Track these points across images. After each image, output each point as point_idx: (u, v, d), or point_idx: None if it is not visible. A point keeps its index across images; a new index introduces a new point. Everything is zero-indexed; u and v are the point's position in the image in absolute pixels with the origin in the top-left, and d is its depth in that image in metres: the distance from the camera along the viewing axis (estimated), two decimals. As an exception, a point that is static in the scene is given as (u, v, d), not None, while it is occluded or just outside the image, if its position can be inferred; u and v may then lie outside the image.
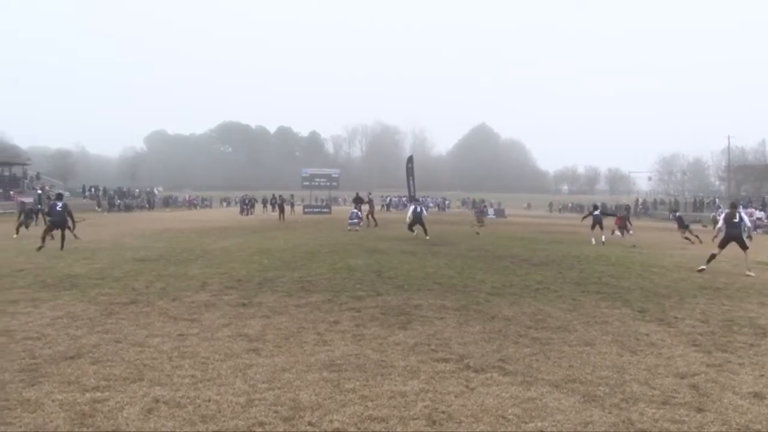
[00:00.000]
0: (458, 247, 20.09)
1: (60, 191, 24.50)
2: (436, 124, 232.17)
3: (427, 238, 23.08)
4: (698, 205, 67.96)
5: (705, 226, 35.86)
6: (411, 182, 57.59)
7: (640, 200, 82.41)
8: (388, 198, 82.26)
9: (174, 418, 4.46)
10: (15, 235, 18.09)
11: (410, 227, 24.28)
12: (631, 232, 27.84)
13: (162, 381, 5.29)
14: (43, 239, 17.40)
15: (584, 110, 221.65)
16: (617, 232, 27.81)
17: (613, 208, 46.67)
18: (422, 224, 23.77)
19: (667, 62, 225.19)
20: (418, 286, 11.13)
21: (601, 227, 24.18)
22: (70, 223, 18.11)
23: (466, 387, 5.30)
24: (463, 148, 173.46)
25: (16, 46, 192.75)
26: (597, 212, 25.33)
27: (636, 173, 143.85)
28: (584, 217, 26.36)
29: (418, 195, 77.21)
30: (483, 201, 28.60)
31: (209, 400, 4.82)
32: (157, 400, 4.81)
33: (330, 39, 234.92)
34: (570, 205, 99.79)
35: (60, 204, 18.31)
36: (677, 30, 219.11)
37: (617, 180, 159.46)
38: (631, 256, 17.84)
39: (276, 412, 4.62)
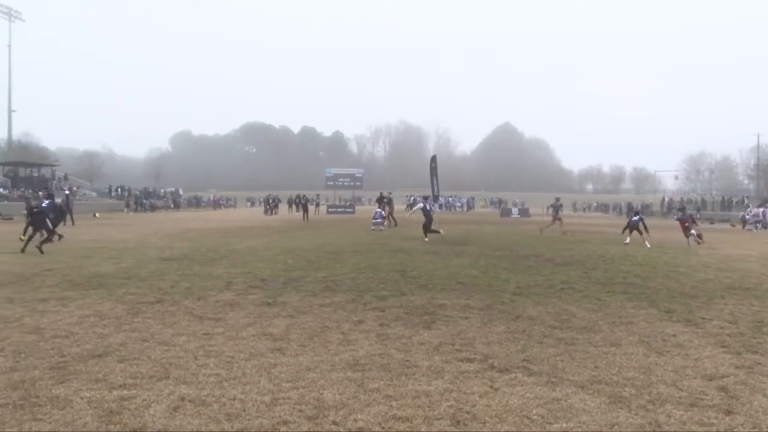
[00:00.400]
0: (482, 246, 20.01)
1: (48, 191, 24.04)
2: (460, 123, 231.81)
3: (426, 239, 21.85)
4: (726, 204, 66.90)
5: (733, 225, 35.37)
6: (434, 182, 57.36)
7: (666, 199, 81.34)
8: (412, 198, 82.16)
9: (199, 416, 4.50)
10: (23, 236, 18.01)
11: (426, 230, 22.72)
12: (693, 232, 23.56)
13: (187, 379, 5.34)
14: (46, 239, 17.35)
15: (610, 110, 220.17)
16: (691, 239, 23.13)
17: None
18: (427, 225, 22.63)
19: (693, 60, 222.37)
20: (442, 285, 11.10)
21: (639, 232, 22.56)
22: (49, 225, 17.63)
23: (491, 387, 5.27)
24: (486, 148, 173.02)
25: (46, 52, 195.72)
26: (636, 217, 23.48)
27: (662, 172, 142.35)
28: (624, 229, 23.79)
29: (442, 194, 77.07)
30: (558, 199, 27.47)
31: (234, 399, 4.86)
32: (183, 399, 4.85)
33: (353, 39, 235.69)
34: (595, 204, 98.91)
35: (45, 203, 18.04)
36: (703, 27, 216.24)
37: (643, 179, 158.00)
38: (656, 256, 17.63)
39: (300, 411, 4.64)
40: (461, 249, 18.81)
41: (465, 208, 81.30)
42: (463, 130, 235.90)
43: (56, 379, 5.31)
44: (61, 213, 19.03)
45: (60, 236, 18.98)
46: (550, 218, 30.70)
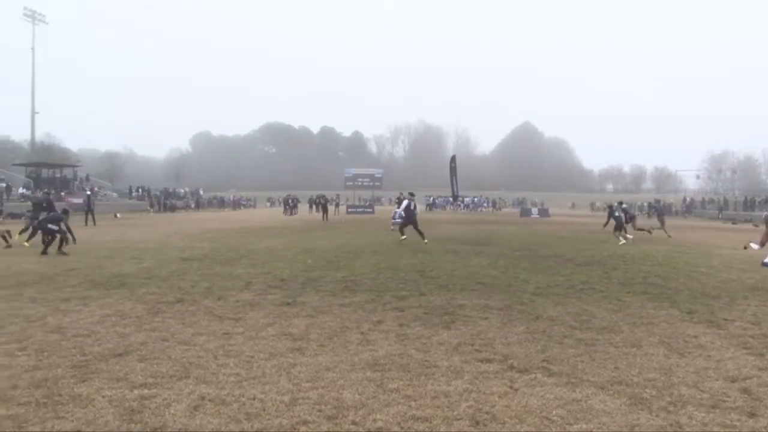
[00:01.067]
0: (502, 246, 19.93)
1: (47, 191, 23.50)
2: (479, 123, 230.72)
3: (426, 242, 20.28)
4: (749, 204, 66.05)
5: (756, 225, 34.86)
6: (454, 181, 57.34)
7: (688, 199, 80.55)
8: (431, 198, 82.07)
9: (219, 415, 4.53)
10: (26, 243, 17.74)
11: (402, 229, 21.57)
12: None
13: (207, 379, 5.38)
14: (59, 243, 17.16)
15: (631, 109, 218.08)
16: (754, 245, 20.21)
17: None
18: (416, 226, 21.35)
19: (715, 59, 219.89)
20: (461, 285, 11.08)
21: (626, 230, 22.89)
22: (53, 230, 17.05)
23: (510, 388, 5.25)
24: (506, 147, 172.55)
25: (68, 54, 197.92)
26: (616, 214, 23.64)
27: (683, 172, 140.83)
28: (606, 224, 24.21)
29: (464, 194, 76.86)
30: (659, 201, 26.34)
31: (254, 398, 4.88)
32: (203, 398, 4.88)
33: (373, 39, 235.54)
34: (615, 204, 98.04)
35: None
36: (725, 26, 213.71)
37: (664, 179, 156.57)
38: (678, 256, 17.45)
39: (320, 410, 4.65)
40: (481, 249, 18.76)
41: (490, 209, 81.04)
42: (482, 130, 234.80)
43: (78, 377, 5.38)
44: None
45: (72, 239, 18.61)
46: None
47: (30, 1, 76.87)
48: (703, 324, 8.03)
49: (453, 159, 70.49)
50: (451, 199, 74.49)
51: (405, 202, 22.58)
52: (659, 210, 31.02)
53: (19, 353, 6.19)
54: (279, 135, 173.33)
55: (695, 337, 7.28)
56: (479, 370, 5.77)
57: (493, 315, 8.42)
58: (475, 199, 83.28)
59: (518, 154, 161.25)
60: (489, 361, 6.08)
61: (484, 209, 78.93)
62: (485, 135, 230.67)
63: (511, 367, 5.85)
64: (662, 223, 27.91)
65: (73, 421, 4.39)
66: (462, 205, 77.09)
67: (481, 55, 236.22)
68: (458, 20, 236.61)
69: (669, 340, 7.07)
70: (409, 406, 4.78)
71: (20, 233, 19.12)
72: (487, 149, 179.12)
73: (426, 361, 6.06)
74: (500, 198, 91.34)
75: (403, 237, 21.18)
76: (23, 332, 7.13)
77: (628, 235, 23.13)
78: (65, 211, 18.72)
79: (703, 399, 5.03)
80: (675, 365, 6.02)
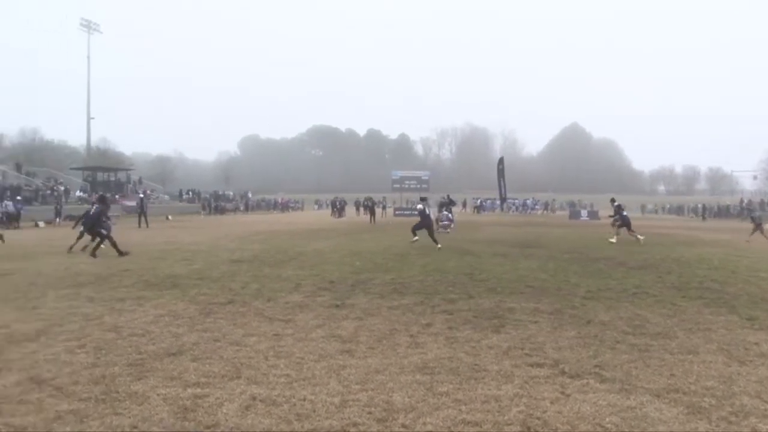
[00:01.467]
0: (550, 249, 19.65)
1: (102, 194, 23.60)
2: (527, 125, 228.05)
3: (439, 246, 19.26)
4: (811, 206, 63.69)
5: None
6: (502, 183, 56.88)
7: (745, 200, 78.05)
8: (479, 200, 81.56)
9: (270, 415, 4.58)
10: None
11: (415, 230, 21.37)
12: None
13: (258, 379, 5.44)
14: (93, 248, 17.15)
15: (684, 109, 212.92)
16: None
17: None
18: (429, 229, 20.89)
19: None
20: (510, 288, 10.96)
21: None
22: (102, 231, 17.15)
23: (562, 393, 5.17)
24: (554, 149, 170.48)
25: (120, 62, 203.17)
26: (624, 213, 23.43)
27: (739, 172, 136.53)
28: (615, 222, 23.82)
29: (510, 196, 76.22)
30: (750, 202, 25.45)
31: (304, 400, 4.91)
32: (254, 398, 4.94)
33: (420, 42, 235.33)
34: (667, 206, 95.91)
35: (94, 209, 17.69)
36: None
37: (719, 179, 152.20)
38: (736, 260, 16.92)
39: (370, 413, 4.66)
40: (530, 252, 18.53)
41: (543, 211, 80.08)
42: (529, 131, 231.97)
43: (134, 375, 5.51)
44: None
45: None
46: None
47: (86, 12, 79.20)
48: (764, 331, 7.75)
49: (501, 161, 70.05)
50: (499, 201, 73.92)
51: (419, 206, 22.52)
52: (753, 215, 29.32)
53: (79, 351, 6.39)
54: (326, 138, 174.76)
55: (756, 344, 7.03)
56: (530, 374, 5.69)
57: (543, 319, 8.30)
58: (527, 201, 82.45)
59: (567, 156, 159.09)
60: (540, 365, 6.00)
61: (535, 211, 78.05)
62: (533, 136, 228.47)
63: (563, 372, 5.75)
64: (760, 228, 26.35)
65: (130, 417, 4.50)
66: (514, 207, 76.42)
67: (530, 57, 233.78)
68: (503, 22, 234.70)
69: (728, 347, 6.85)
70: (459, 410, 4.75)
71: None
72: (534, 150, 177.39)
73: (476, 364, 6.01)
74: (553, 200, 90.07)
75: (415, 239, 21.38)
76: (82, 330, 7.35)
77: (639, 236, 22.89)
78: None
79: (767, 410, 4.86)
80: (735, 374, 5.83)
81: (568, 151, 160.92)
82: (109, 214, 19.21)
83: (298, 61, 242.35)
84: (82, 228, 18.23)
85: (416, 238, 21.37)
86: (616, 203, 24.82)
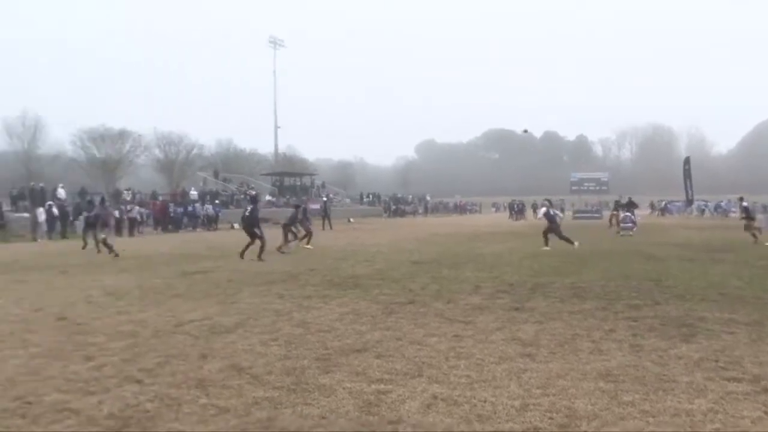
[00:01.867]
0: (744, 254, 17.96)
1: (255, 193, 24.42)
2: (714, 122, 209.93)
3: (576, 245, 19.32)
4: None
5: None
6: (688, 184, 53.04)
7: None
8: (663, 202, 76.72)
9: (451, 415, 4.60)
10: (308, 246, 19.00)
11: (545, 236, 20.30)
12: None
13: (439, 379, 5.49)
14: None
15: None
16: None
17: None
18: (557, 232, 20.10)
19: None
20: (700, 296, 10.15)
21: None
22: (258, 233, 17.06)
23: (765, 413, 4.68)
24: (747, 146, 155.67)
25: (301, 74, 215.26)
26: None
27: None
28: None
29: (696, 198, 70.90)
30: None
31: (485, 401, 4.88)
32: (435, 397, 4.99)
33: (595, 38, 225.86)
34: None
35: (249, 208, 17.98)
36: None
37: None
38: None
39: (551, 418, 4.52)
40: (720, 256, 17.08)
41: (740, 214, 73.40)
42: (717, 129, 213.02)
43: (322, 369, 5.79)
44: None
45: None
46: None
47: (274, 30, 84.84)
48: None
49: (687, 161, 65.26)
50: (684, 203, 68.97)
51: (543, 210, 21.32)
52: None
53: (272, 343, 6.86)
54: (501, 141, 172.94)
55: None
56: (726, 389, 5.22)
57: (739, 330, 7.58)
58: (723, 203, 76.17)
59: (763, 152, 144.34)
60: (737, 380, 5.48)
61: (732, 214, 71.83)
62: (721, 134, 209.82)
63: (765, 390, 5.20)
64: None
65: (318, 408, 4.73)
66: (706, 208, 70.94)
67: (722, 49, 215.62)
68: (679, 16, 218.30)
69: None
70: (647, 422, 4.47)
71: (301, 239, 20.71)
72: (724, 149, 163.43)
73: (663, 375, 5.63)
74: (755, 203, 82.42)
75: (546, 247, 19.82)
76: (274, 325, 7.89)
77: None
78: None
79: None
80: None
81: (765, 148, 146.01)
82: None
83: (471, 63, 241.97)
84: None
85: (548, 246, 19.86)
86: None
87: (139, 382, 5.42)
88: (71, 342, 7.07)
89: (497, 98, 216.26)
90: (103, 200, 22.93)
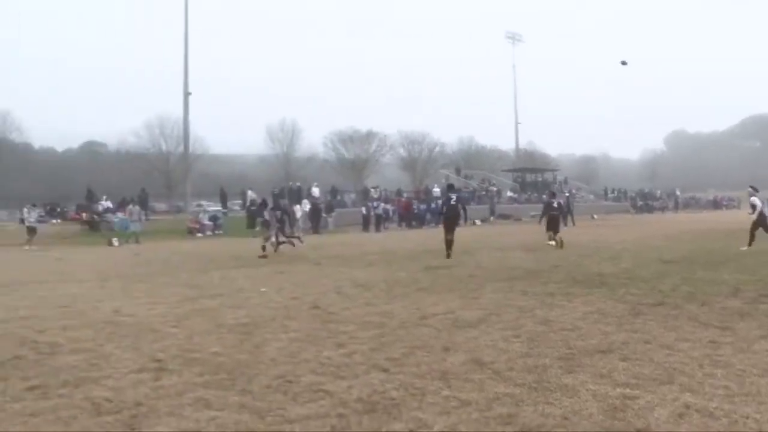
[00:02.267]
0: None
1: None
2: None
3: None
4: None
5: None
6: None
7: None
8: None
9: (707, 427, 4.27)
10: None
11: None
12: None
13: (693, 388, 5.12)
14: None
15: None
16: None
17: None
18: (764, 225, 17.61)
19: None
20: None
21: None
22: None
23: None
24: None
25: (541, 68, 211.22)
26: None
27: None
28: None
29: None
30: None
31: (747, 417, 4.44)
32: (688, 407, 4.66)
33: None
34: None
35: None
36: None
37: None
38: None
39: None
40: None
41: None
42: None
43: (564, 368, 5.70)
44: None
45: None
46: None
47: (511, 25, 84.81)
48: None
49: None
50: None
51: (759, 204, 18.03)
52: None
53: (514, 340, 6.91)
54: (763, 129, 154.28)
55: None
56: None
57: None
58: None
59: None
60: None
61: None
62: None
63: None
64: None
65: (560, 408, 4.67)
66: None
67: None
68: None
69: None
70: None
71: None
72: None
73: None
74: None
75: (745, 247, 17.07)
76: (516, 321, 7.93)
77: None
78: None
79: None
80: None
81: None
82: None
83: (729, 44, 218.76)
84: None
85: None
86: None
87: (385, 370, 5.79)
88: (325, 329, 7.75)
89: (756, 81, 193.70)
90: (266, 200, 24.12)
